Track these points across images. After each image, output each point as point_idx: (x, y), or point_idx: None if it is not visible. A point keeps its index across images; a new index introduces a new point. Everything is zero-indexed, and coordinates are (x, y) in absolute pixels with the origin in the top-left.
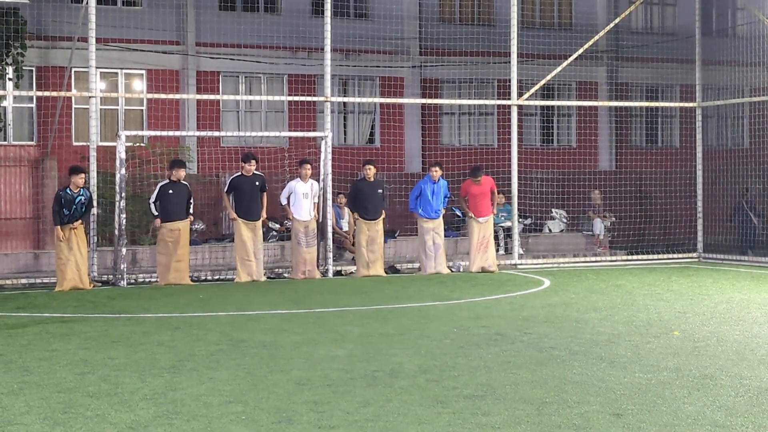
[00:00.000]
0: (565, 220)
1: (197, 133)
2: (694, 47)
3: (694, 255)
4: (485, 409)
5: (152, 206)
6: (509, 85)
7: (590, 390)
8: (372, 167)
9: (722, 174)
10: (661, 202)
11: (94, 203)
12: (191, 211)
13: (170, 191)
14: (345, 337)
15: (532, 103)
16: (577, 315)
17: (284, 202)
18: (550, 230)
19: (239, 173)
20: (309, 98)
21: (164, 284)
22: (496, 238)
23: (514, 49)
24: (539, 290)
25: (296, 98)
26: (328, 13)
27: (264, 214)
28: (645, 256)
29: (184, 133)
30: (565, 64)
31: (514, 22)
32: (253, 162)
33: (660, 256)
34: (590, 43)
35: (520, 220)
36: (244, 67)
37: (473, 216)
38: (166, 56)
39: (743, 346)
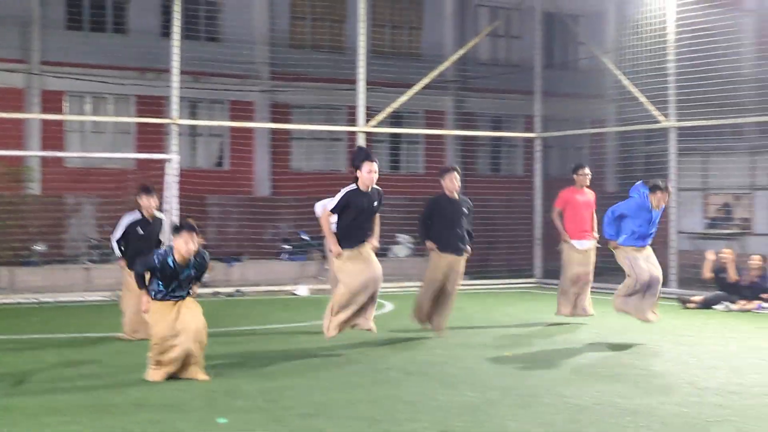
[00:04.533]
0: (410, 245)
1: (40, 153)
2: (540, 79)
3: (533, 280)
4: (319, 427)
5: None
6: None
7: (421, 408)
8: None
9: None
10: (504, 229)
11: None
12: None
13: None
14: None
15: (378, 130)
16: (415, 337)
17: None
18: (396, 255)
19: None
20: (154, 120)
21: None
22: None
23: (361, 76)
24: (381, 314)
25: (140, 120)
26: (176, 35)
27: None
28: (487, 281)
29: (26, 153)
30: (411, 92)
31: (361, 50)
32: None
33: (501, 281)
34: (437, 72)
35: None
36: (90, 87)
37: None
38: (10, 74)
39: (569, 367)
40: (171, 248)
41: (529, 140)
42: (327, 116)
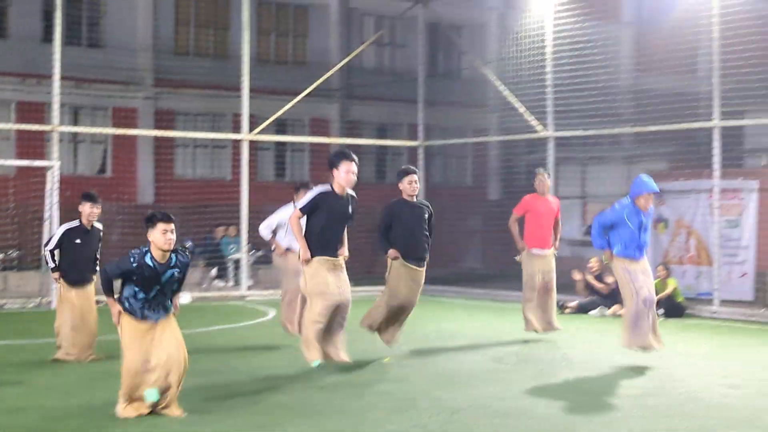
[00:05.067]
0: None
1: None
2: (423, 88)
3: None
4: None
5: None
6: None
7: (302, 412)
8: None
9: (446, 210)
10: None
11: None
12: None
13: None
14: (65, 368)
15: (262, 138)
16: (295, 343)
17: (268, 236)
18: None
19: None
20: (35, 127)
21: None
22: (225, 269)
23: (245, 84)
24: (264, 321)
25: (20, 126)
26: (57, 40)
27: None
28: (373, 287)
29: None
30: (295, 100)
31: (245, 57)
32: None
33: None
34: (321, 80)
35: (253, 252)
36: None
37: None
38: None
39: (446, 372)
40: (147, 247)
41: (414, 148)
42: (211, 123)
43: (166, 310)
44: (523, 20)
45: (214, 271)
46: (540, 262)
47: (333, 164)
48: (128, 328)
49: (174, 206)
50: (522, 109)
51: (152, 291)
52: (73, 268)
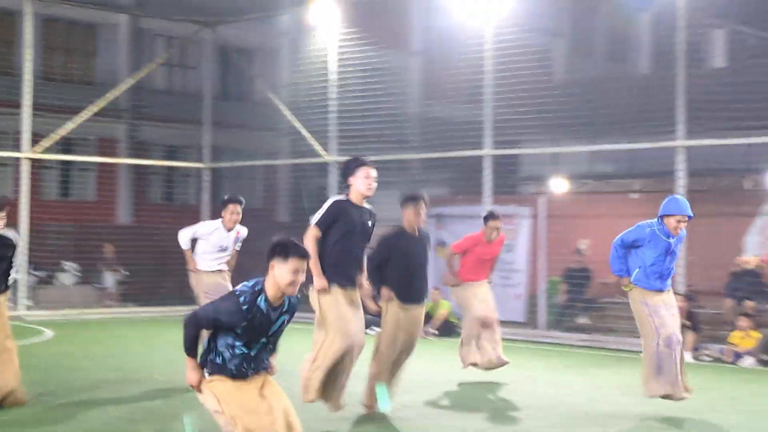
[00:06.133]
0: (77, 273)
1: None
2: (209, 110)
3: None
4: None
5: None
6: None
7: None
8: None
9: None
10: (175, 256)
11: None
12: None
13: None
14: None
15: (44, 156)
16: (72, 363)
17: (186, 245)
18: (62, 282)
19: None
20: None
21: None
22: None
23: (27, 101)
24: (41, 341)
25: None
26: None
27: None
28: (158, 308)
29: None
30: (79, 119)
31: (27, 75)
32: None
33: (172, 307)
34: (107, 99)
35: (33, 272)
36: None
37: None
38: None
39: None
40: (260, 284)
41: (201, 170)
42: None
43: (265, 369)
44: (310, 46)
45: None
46: (477, 291)
47: (349, 172)
48: (225, 389)
49: None
50: (306, 134)
51: (257, 345)
52: None
